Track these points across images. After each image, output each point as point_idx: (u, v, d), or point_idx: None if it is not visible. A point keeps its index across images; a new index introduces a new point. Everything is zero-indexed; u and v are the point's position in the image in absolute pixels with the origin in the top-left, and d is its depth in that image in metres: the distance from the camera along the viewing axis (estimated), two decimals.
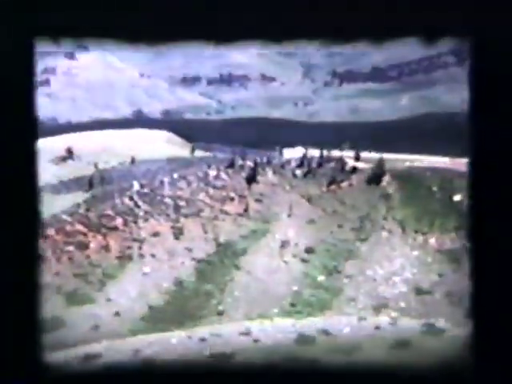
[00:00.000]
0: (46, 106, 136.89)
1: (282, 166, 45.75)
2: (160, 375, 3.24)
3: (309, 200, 37.16)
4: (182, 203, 37.85)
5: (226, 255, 30.23)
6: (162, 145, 65.55)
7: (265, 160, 47.87)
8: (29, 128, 2.89)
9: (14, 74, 2.86)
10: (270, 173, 44.23)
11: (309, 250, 30.47)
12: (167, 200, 38.38)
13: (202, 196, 39.52)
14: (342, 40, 2.91)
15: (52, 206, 42.44)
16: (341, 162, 42.49)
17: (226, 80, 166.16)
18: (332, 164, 43.16)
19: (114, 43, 2.90)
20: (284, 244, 31.29)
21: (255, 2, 2.81)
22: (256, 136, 74.24)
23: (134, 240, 31.51)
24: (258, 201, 38.56)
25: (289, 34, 2.87)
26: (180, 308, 24.68)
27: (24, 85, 2.89)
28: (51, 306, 23.63)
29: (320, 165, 43.62)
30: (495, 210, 2.79)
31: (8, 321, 2.77)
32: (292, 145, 57.49)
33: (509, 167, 2.73)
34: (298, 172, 43.35)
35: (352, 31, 2.86)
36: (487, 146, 2.77)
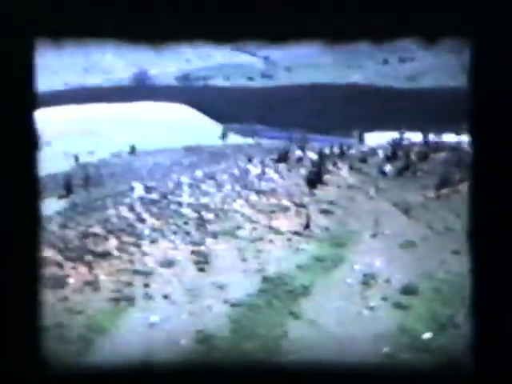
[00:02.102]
0: None
1: (364, 159, 45.67)
2: (160, 375, 4.63)
3: (406, 211, 36.87)
4: (208, 216, 38.19)
5: (277, 296, 30.26)
6: (179, 126, 66.26)
7: (336, 150, 47.88)
8: (29, 128, 4.38)
9: (14, 73, 4.14)
10: (344, 169, 44.21)
11: (408, 290, 30.20)
12: (186, 211, 38.78)
13: (239, 205, 39.76)
14: (342, 40, 4.12)
15: None
16: (459, 151, 42.05)
17: None
18: (443, 155, 42.76)
19: (113, 43, 4.15)
20: (368, 280, 31.14)
21: (255, 2, 4.02)
22: (323, 113, 74.12)
23: (137, 273, 31.94)
24: (325, 212, 38.54)
25: (289, 34, 4.10)
26: (207, 378, 24.86)
27: (24, 84, 4.19)
28: None
29: (424, 156, 43.28)
30: (496, 213, 4.06)
31: (8, 322, 4.21)
32: (379, 126, 57.25)
33: (509, 170, 3.97)
34: (389, 168, 43.17)
35: (352, 31, 4.08)
36: (489, 147, 3.96)
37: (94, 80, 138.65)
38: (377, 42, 4.08)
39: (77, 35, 4.12)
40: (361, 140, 54.69)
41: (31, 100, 4.26)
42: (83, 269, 32.36)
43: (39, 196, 4.47)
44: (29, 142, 4.46)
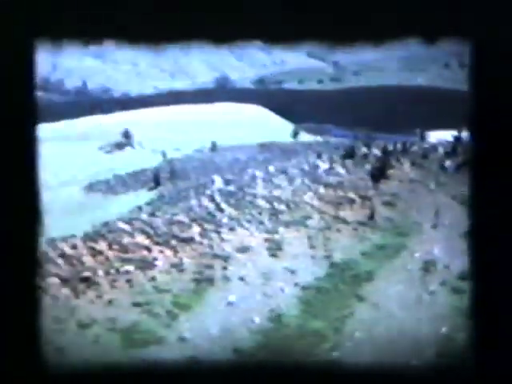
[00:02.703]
0: (95, 73, 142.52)
1: (425, 156, 45.08)
2: (160, 375, 4.36)
3: (464, 203, 36.20)
4: (280, 207, 38.22)
5: (344, 280, 30.09)
6: (254, 125, 66.47)
7: (399, 147, 47.39)
8: (29, 129, 4.02)
9: (14, 73, 3.88)
10: (406, 164, 43.70)
11: (465, 276, 29.68)
12: (261, 202, 38.90)
13: (308, 197, 39.70)
14: (343, 40, 3.86)
15: (104, 210, 44.32)
16: None
17: None
18: None
19: (114, 43, 3.89)
20: (428, 266, 30.71)
21: (255, 2, 3.79)
22: (387, 113, 73.38)
23: (216, 256, 32.19)
24: (388, 204, 38.17)
25: (289, 34, 3.85)
26: (278, 353, 24.88)
27: (24, 85, 3.93)
28: (102, 346, 24.61)
29: None
30: (496, 213, 3.78)
31: (8, 323, 3.87)
32: (439, 125, 56.36)
33: (509, 170, 3.70)
34: (449, 163, 42.51)
35: (353, 31, 3.83)
36: (490, 147, 3.71)
37: (180, 84, 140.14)
38: (377, 42, 3.86)
39: (77, 35, 3.90)
40: (423, 138, 53.96)
41: (31, 99, 4.02)
42: (169, 252, 32.79)
43: (39, 196, 4.12)
44: (29, 141, 4.09)
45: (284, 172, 45.06)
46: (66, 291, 28.81)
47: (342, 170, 44.26)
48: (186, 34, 3.83)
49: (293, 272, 30.84)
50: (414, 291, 28.84)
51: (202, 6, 3.74)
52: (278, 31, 3.82)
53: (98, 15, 3.76)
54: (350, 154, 46.81)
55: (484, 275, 3.86)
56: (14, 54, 3.79)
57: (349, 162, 45.65)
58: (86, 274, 30.08)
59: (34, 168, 3.96)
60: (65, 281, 29.59)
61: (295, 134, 64.76)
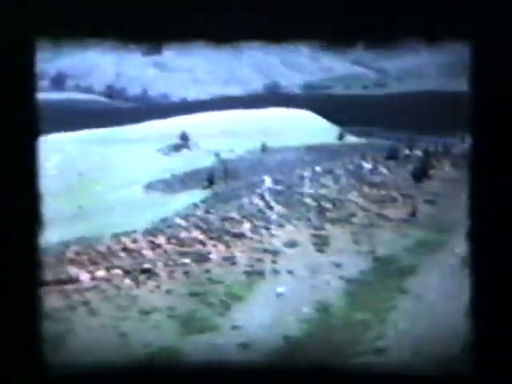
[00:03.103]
0: (154, 80, 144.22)
1: (464, 156, 44.39)
2: (160, 375, 4.23)
3: None
4: (327, 205, 38.10)
5: (387, 274, 29.86)
6: (302, 128, 66.36)
7: (440, 148, 46.81)
8: (29, 128, 3.79)
9: (14, 73, 3.67)
10: (447, 165, 43.16)
11: None
12: (308, 200, 38.82)
13: (353, 196, 39.48)
14: (343, 41, 3.68)
15: (162, 207, 44.73)
16: None
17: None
18: None
19: (113, 43, 3.73)
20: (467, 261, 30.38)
21: (255, 2, 3.62)
22: (428, 116, 72.52)
23: (266, 251, 32.24)
24: (429, 202, 37.75)
25: (289, 34, 3.68)
26: (325, 341, 24.82)
27: (24, 85, 3.73)
28: (161, 333, 24.90)
29: None
30: (496, 213, 3.58)
31: (9, 322, 3.68)
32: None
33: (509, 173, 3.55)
34: None
35: (353, 32, 3.64)
36: (490, 148, 3.57)
37: (233, 90, 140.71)
38: (378, 44, 3.66)
39: (77, 35, 3.70)
40: (463, 140, 53.15)
41: (31, 100, 3.77)
42: (222, 247, 32.98)
43: (39, 197, 3.80)
44: (29, 141, 3.81)
45: (330, 172, 44.90)
46: (128, 282, 29.25)
47: (385, 170, 43.92)
48: (187, 34, 3.68)
49: (338, 266, 30.73)
50: (454, 284, 28.45)
51: (203, 6, 3.60)
52: (277, 31, 3.67)
53: (98, 15, 3.59)
54: (393, 154, 46.43)
55: (484, 275, 3.68)
56: (14, 54, 3.61)
57: (392, 162, 45.29)
58: (147, 266, 30.48)
59: (34, 169, 3.72)
60: (127, 272, 30.04)
61: (341, 137, 64.48)
